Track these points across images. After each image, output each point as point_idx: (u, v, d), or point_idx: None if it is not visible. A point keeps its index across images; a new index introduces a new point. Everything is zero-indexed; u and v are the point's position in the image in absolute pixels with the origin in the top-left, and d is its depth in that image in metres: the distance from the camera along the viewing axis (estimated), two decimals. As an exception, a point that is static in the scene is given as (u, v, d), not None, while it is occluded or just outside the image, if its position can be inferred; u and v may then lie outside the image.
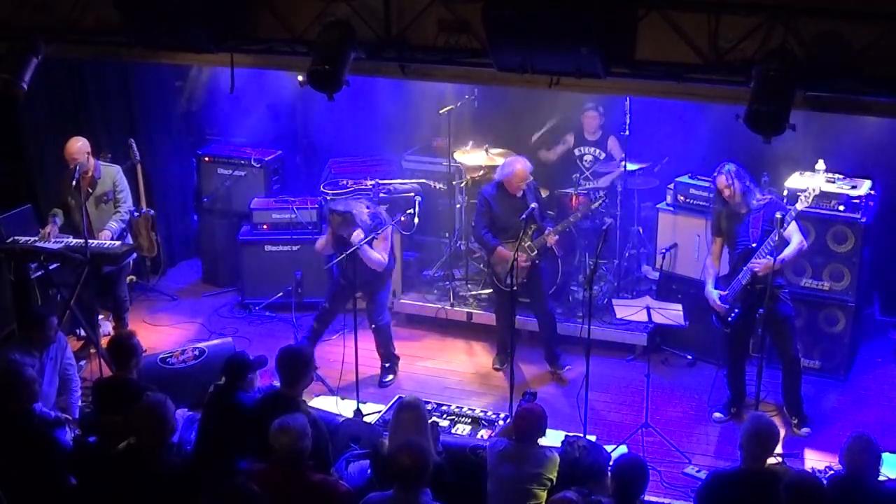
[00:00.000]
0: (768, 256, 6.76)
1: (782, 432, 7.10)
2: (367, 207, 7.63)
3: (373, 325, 7.85)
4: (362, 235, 7.38)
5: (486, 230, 7.81)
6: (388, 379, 7.99)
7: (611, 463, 6.26)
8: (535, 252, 7.73)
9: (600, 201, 7.91)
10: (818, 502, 4.83)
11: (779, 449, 6.85)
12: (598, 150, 9.03)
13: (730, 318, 7.09)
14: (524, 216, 7.35)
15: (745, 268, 6.91)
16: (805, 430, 7.15)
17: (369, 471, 5.72)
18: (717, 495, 5.21)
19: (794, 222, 6.86)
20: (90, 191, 7.97)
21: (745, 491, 5.13)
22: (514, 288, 7.23)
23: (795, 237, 6.87)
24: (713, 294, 7.11)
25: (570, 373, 7.92)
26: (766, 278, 6.77)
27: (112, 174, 8.14)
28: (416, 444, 5.01)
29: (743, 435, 5.20)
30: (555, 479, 5.53)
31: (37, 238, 7.71)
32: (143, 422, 5.24)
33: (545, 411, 5.70)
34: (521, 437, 5.58)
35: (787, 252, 6.80)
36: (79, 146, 7.84)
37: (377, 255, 7.50)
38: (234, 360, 6.16)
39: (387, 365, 8.02)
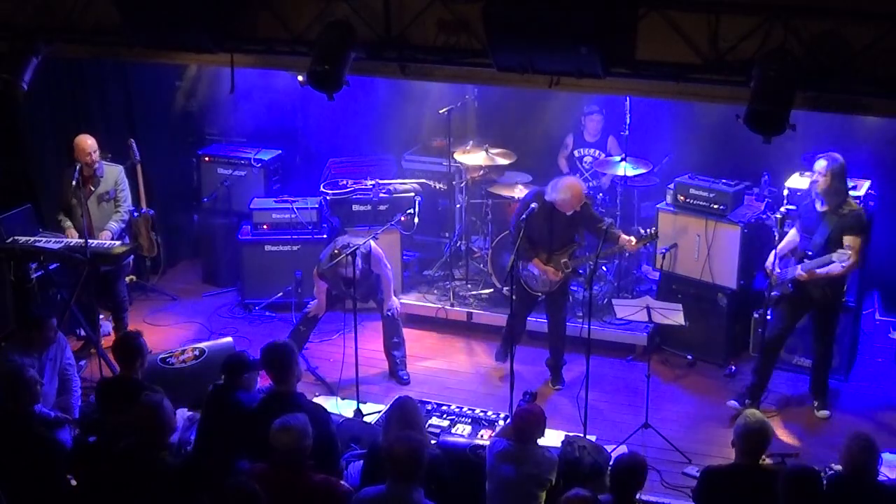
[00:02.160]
0: (817, 270, 6.83)
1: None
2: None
3: (388, 313, 7.85)
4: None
5: (525, 244, 7.46)
6: (404, 373, 7.99)
7: (611, 463, 6.28)
8: (570, 269, 7.60)
9: (649, 239, 7.70)
10: (815, 493, 4.84)
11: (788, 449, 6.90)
12: (597, 151, 9.04)
13: (772, 293, 7.17)
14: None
15: (797, 265, 6.98)
16: (825, 412, 7.26)
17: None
18: (712, 491, 5.24)
19: (856, 237, 6.83)
20: (92, 189, 7.99)
21: (739, 488, 5.16)
22: (529, 290, 7.43)
23: (853, 256, 6.82)
24: (771, 257, 7.16)
25: (570, 373, 7.90)
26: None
27: (115, 173, 8.16)
28: (413, 437, 5.02)
29: (735, 432, 5.26)
30: (554, 480, 5.52)
31: (38, 238, 7.73)
32: (140, 421, 5.25)
33: (544, 412, 5.69)
34: (521, 437, 5.57)
35: (834, 268, 6.82)
36: (90, 143, 7.90)
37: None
38: (233, 360, 6.17)
39: (397, 354, 7.99)
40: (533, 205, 7.38)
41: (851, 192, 7.47)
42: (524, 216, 7.27)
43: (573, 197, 7.37)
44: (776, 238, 7.13)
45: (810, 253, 6.94)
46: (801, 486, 4.83)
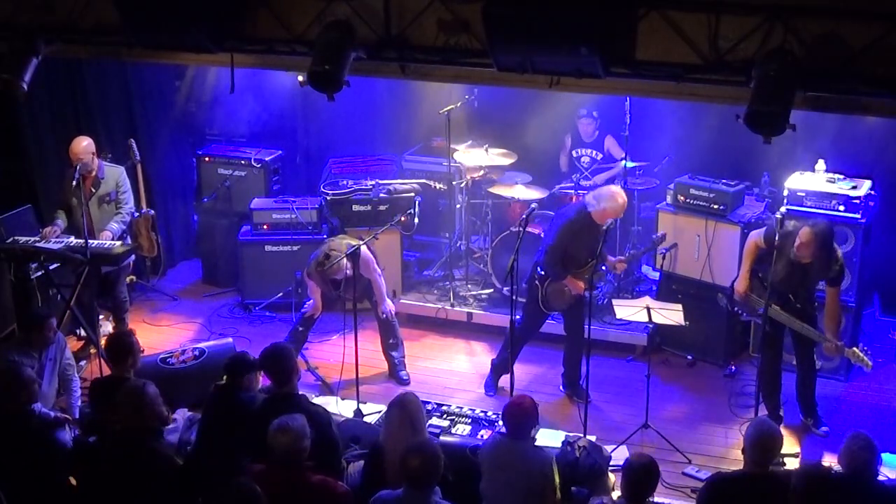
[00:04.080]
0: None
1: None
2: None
3: (382, 315, 7.85)
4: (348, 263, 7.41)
5: (561, 262, 7.34)
6: (404, 373, 8.01)
7: (611, 463, 6.28)
8: (592, 284, 7.45)
9: (660, 242, 7.58)
10: (827, 492, 4.83)
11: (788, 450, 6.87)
12: (594, 152, 9.05)
13: (735, 309, 7.13)
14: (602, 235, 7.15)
15: (799, 324, 6.87)
16: (824, 428, 7.15)
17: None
18: (719, 499, 5.20)
19: (836, 291, 6.81)
20: (93, 190, 7.98)
21: (748, 495, 5.11)
22: (544, 309, 7.45)
23: (838, 307, 6.83)
24: (744, 282, 7.02)
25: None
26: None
27: (116, 175, 8.14)
28: (427, 445, 5.03)
29: (746, 440, 5.18)
30: (550, 476, 5.42)
31: (37, 238, 7.72)
32: (124, 403, 5.29)
33: (534, 402, 5.55)
34: (513, 432, 5.48)
35: (835, 323, 6.83)
36: (84, 146, 7.85)
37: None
38: (236, 361, 6.15)
39: (395, 354, 8.01)
40: (583, 220, 7.29)
41: (851, 192, 7.49)
42: (571, 221, 7.24)
43: (621, 204, 7.24)
44: (767, 250, 6.92)
45: (798, 306, 6.84)
46: (813, 485, 4.82)
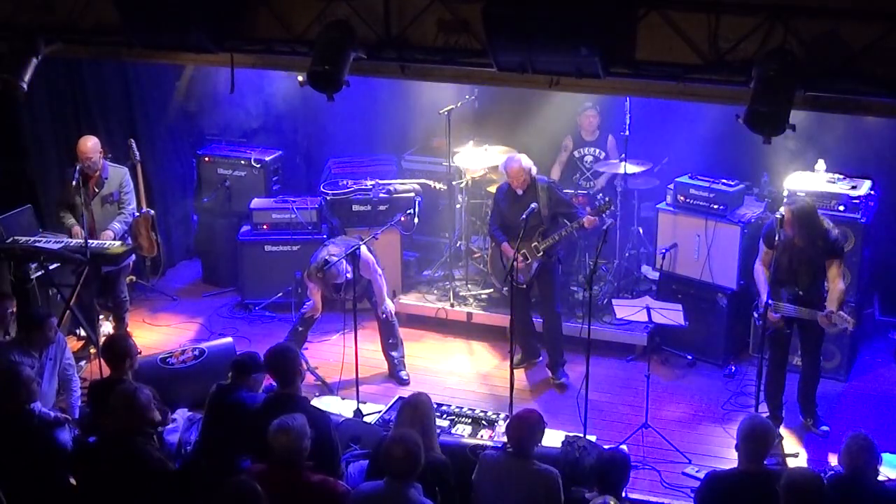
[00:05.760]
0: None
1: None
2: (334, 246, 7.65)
3: (382, 315, 7.86)
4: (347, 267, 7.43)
5: (497, 227, 7.85)
6: (403, 373, 8.00)
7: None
8: (541, 253, 7.67)
9: (607, 206, 7.56)
10: (816, 497, 4.83)
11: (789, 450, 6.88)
12: (597, 150, 9.04)
13: (767, 332, 7.07)
14: (524, 216, 7.20)
15: (793, 307, 6.82)
16: (823, 428, 7.14)
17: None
18: (715, 496, 5.21)
19: (836, 264, 6.77)
20: (97, 190, 7.99)
21: (743, 492, 5.14)
22: (515, 284, 7.35)
23: (838, 282, 6.76)
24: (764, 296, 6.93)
25: (569, 373, 7.89)
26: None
27: (120, 175, 8.15)
28: (409, 436, 5.02)
29: (739, 436, 5.21)
30: (555, 497, 5.31)
31: (38, 238, 7.73)
32: (116, 406, 5.32)
33: (541, 415, 5.51)
34: (515, 447, 5.39)
35: (836, 298, 6.71)
36: (90, 145, 7.86)
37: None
38: (244, 360, 6.15)
39: (395, 354, 8.01)
40: (505, 188, 7.69)
41: (851, 192, 7.48)
42: (497, 191, 7.60)
43: (507, 170, 7.65)
44: (766, 261, 6.93)
45: (801, 293, 6.80)
46: (801, 491, 4.82)
